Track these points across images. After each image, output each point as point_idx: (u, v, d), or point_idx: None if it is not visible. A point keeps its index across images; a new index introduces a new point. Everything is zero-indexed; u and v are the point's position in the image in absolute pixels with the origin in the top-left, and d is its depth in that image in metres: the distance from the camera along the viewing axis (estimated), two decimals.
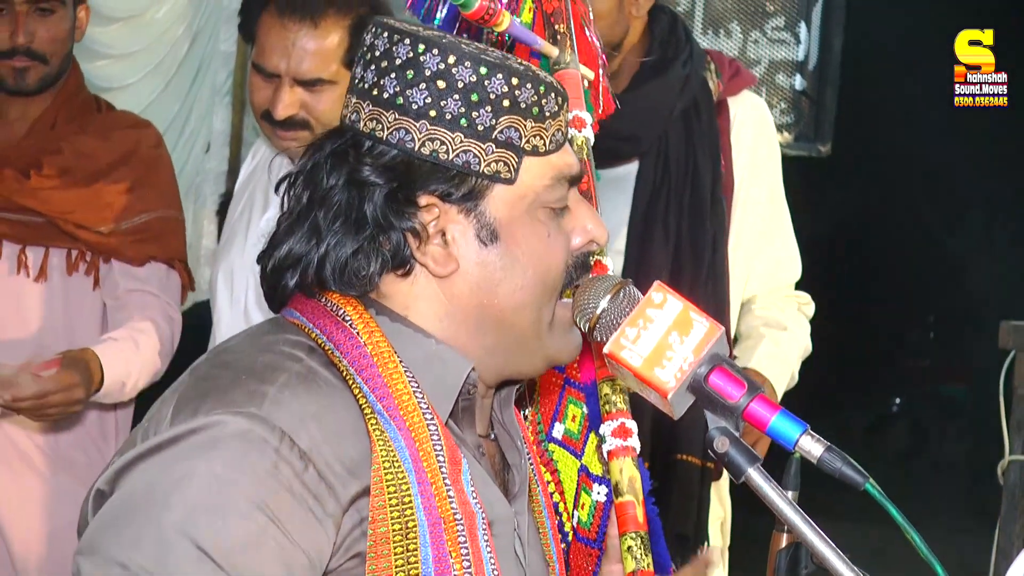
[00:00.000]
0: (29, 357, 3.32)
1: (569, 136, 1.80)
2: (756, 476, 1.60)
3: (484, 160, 1.68)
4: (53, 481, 3.62)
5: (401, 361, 1.69)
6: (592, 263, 1.83)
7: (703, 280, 3.37)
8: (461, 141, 1.67)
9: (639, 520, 2.05)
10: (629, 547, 2.02)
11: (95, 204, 3.65)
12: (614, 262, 3.36)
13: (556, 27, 2.35)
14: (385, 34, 1.71)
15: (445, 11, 2.36)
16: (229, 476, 1.55)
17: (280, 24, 2.95)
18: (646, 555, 2.02)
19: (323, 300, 1.73)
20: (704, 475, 3.33)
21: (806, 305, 3.61)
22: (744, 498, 2.07)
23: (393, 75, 1.69)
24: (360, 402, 1.65)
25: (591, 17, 2.47)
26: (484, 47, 1.74)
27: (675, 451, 3.31)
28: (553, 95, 1.72)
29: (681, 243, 3.39)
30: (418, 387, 1.68)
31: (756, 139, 3.54)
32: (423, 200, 1.68)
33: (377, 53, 1.71)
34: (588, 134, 2.31)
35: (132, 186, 3.70)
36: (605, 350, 1.67)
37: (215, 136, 6.69)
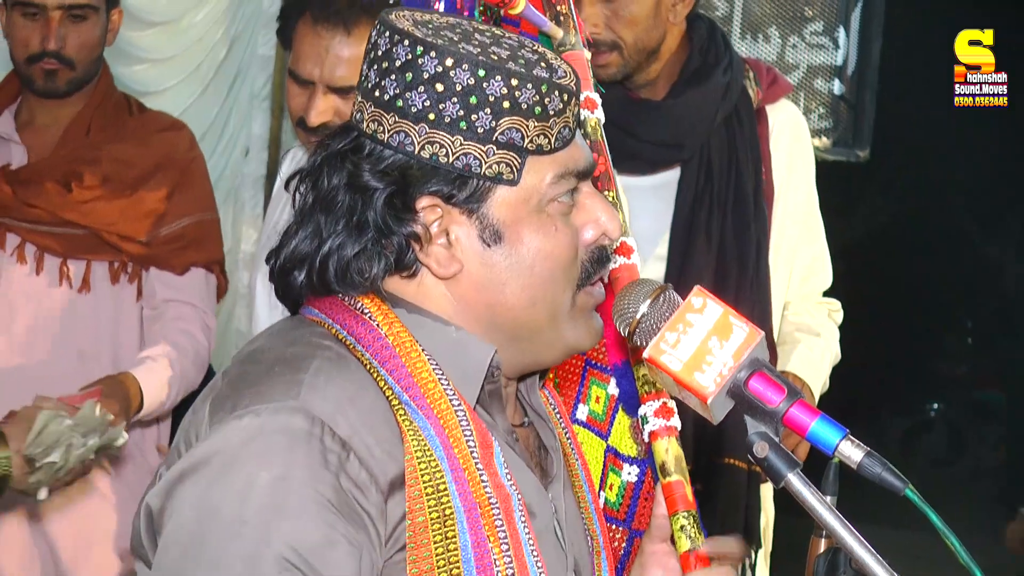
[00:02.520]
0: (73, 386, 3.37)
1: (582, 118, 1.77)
2: (796, 481, 1.60)
3: (485, 162, 1.66)
4: (101, 484, 3.65)
5: (423, 350, 1.68)
6: (610, 256, 1.81)
7: (748, 286, 3.37)
8: (461, 144, 1.65)
9: (689, 499, 2.01)
10: (682, 526, 1.98)
11: (136, 213, 3.67)
12: (656, 268, 3.38)
13: (558, 8, 2.35)
14: (387, 33, 1.69)
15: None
16: (288, 475, 1.55)
17: (314, 32, 2.96)
18: (699, 534, 1.99)
19: (340, 295, 1.72)
20: (752, 479, 3.32)
21: (836, 312, 3.61)
22: (784, 502, 2.07)
23: (393, 76, 1.67)
24: (386, 394, 1.64)
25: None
26: (496, 35, 1.73)
27: (721, 455, 3.30)
28: (557, 93, 1.68)
29: (725, 249, 3.39)
30: (443, 374, 1.68)
31: (793, 146, 3.54)
32: (425, 202, 1.67)
33: (379, 52, 1.69)
34: (600, 115, 2.30)
35: (170, 192, 3.72)
36: (645, 355, 1.67)
37: (254, 140, 6.70)
